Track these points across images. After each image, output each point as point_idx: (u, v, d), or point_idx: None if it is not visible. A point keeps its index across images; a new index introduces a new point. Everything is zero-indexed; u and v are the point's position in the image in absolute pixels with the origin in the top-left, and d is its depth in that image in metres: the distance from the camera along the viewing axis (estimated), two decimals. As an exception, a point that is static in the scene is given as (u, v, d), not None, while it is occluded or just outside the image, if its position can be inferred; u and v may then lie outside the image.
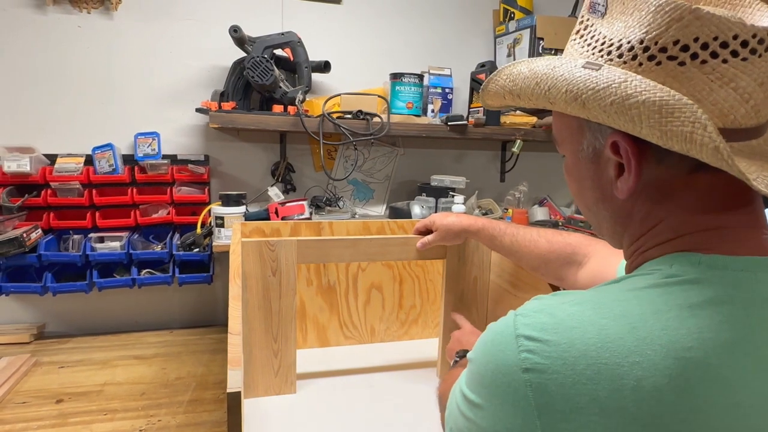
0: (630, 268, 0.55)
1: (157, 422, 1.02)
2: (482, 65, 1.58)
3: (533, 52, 1.57)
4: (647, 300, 0.44)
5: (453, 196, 1.55)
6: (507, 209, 1.65)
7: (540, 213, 1.71)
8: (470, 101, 1.63)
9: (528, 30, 1.58)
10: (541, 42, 1.57)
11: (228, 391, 0.69)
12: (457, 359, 0.89)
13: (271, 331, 1.07)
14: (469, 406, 0.50)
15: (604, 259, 0.86)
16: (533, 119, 1.61)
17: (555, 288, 0.99)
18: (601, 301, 0.46)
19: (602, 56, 0.48)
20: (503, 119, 1.58)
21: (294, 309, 1.08)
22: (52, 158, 1.40)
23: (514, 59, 1.65)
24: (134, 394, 1.13)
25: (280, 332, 1.08)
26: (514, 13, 1.68)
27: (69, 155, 1.41)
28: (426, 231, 1.13)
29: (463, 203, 1.54)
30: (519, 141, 1.56)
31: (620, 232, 0.54)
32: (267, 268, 1.05)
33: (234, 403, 0.69)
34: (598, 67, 0.45)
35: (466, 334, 1.01)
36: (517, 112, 1.64)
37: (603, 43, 0.48)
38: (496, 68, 1.62)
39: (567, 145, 0.55)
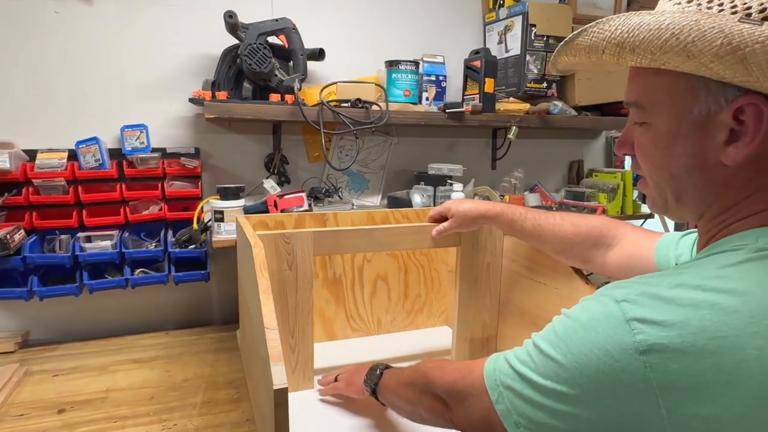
0: (706, 242, 0.55)
1: (173, 426, 0.97)
2: (476, 52, 1.58)
3: (526, 39, 1.58)
4: (748, 274, 0.45)
5: (451, 184, 1.55)
6: (503, 196, 1.66)
7: (532, 199, 1.73)
8: (464, 89, 1.63)
9: (520, 17, 1.59)
10: (533, 28, 1.58)
11: (275, 387, 0.66)
12: (377, 379, 0.86)
13: (288, 327, 1.04)
14: (558, 398, 0.49)
15: (634, 241, 0.88)
16: (526, 106, 1.62)
17: (577, 271, 0.99)
18: (700, 281, 0.46)
19: (740, 14, 0.46)
20: (498, 106, 1.59)
21: (311, 303, 1.05)
22: (30, 154, 1.30)
23: (506, 47, 1.66)
24: (142, 398, 1.07)
25: (297, 327, 1.05)
26: (503, 0, 1.68)
27: (50, 150, 1.32)
28: (440, 219, 1.12)
29: (462, 191, 1.54)
30: (515, 128, 1.57)
31: (709, 201, 0.53)
32: (283, 261, 1.02)
33: (281, 399, 0.67)
34: (759, 23, 0.44)
35: (352, 370, 0.98)
36: (511, 99, 1.65)
37: (737, 4, 0.47)
38: (493, 56, 1.61)
39: (663, 109, 0.53)
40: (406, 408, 0.78)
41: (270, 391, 0.67)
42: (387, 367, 0.88)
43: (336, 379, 1.02)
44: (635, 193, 1.82)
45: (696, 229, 0.62)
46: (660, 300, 0.45)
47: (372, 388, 0.87)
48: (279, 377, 0.67)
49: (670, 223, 2.11)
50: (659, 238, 0.83)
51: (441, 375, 0.68)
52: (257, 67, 1.28)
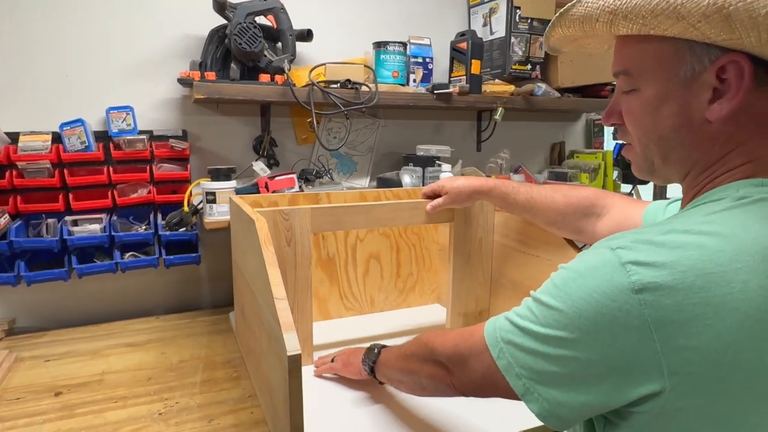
0: (692, 197, 0.58)
1: (176, 404, 0.97)
2: (462, 34, 1.60)
3: (511, 22, 1.61)
4: (731, 218, 0.49)
5: (439, 165, 1.57)
6: (489, 176, 1.69)
7: (517, 179, 1.76)
8: (450, 71, 1.64)
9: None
10: (518, 11, 1.60)
11: (288, 354, 0.67)
12: (375, 357, 0.88)
13: (288, 304, 1.04)
14: (557, 344, 0.52)
15: (624, 209, 0.91)
16: (511, 87, 1.65)
17: (570, 242, 1.03)
18: (688, 227, 0.50)
19: None
20: (484, 88, 1.61)
21: (309, 279, 1.06)
22: (13, 137, 1.27)
23: (491, 29, 1.68)
24: (140, 380, 1.06)
25: (296, 304, 1.06)
26: (487, -17, 1.70)
27: (33, 133, 1.28)
28: (434, 195, 1.14)
29: (451, 171, 1.56)
30: (500, 109, 1.60)
31: (695, 158, 0.57)
32: (282, 238, 1.02)
33: (295, 366, 0.68)
34: None
35: (348, 352, 1.00)
36: (496, 81, 1.67)
37: None
38: (479, 37, 1.63)
39: (651, 74, 0.56)
40: (406, 379, 0.79)
41: (283, 359, 0.68)
42: (384, 346, 0.90)
43: (332, 361, 1.03)
44: (615, 173, 1.87)
45: (680, 198, 0.66)
46: (652, 244, 0.49)
47: (370, 366, 0.89)
48: (292, 344, 0.68)
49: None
50: (647, 206, 0.87)
51: (442, 341, 0.70)
52: (247, 46, 1.27)
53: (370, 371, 0.89)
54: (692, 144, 0.56)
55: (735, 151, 0.55)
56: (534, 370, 0.54)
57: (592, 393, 0.51)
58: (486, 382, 0.60)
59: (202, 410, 0.95)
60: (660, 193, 1.97)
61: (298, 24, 1.47)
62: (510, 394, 0.56)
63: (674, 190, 1.68)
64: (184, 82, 1.30)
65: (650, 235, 0.50)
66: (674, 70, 0.55)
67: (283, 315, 0.72)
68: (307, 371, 1.07)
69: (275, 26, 1.40)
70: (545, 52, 1.69)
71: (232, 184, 1.32)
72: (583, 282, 0.51)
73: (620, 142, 1.95)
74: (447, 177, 1.15)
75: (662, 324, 0.46)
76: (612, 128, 1.95)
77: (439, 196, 1.13)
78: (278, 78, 1.35)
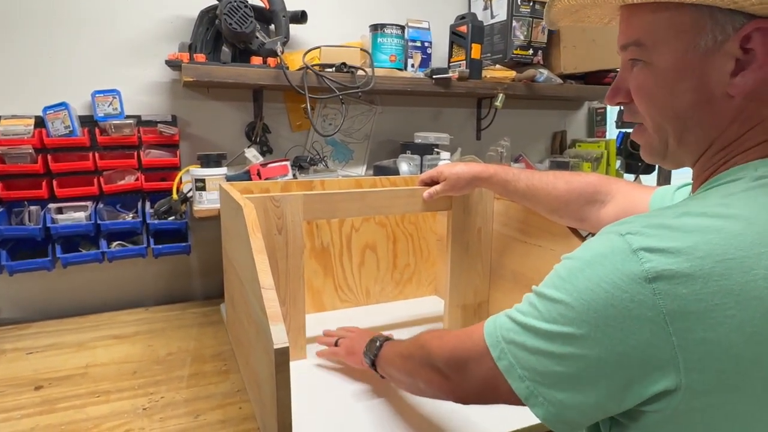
0: (705, 178, 0.54)
1: (160, 399, 0.93)
2: (462, 17, 1.55)
3: (512, 5, 1.55)
4: (751, 200, 0.45)
5: (438, 152, 1.53)
6: (489, 165, 1.65)
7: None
8: (450, 55, 1.59)
9: (506, -19, 1.56)
10: (520, -7, 1.55)
11: (275, 346, 0.63)
12: (376, 351, 0.84)
13: (279, 294, 0.99)
14: (564, 341, 0.47)
15: (629, 195, 0.87)
16: (512, 73, 1.60)
17: (573, 231, 0.98)
18: (705, 209, 0.46)
19: None
20: (484, 73, 1.56)
21: (302, 269, 1.02)
22: (-7, 121, 1.22)
23: (492, 13, 1.63)
24: (125, 373, 1.02)
25: (288, 294, 1.02)
26: (488, -35, 1.64)
27: (14, 117, 1.23)
28: (431, 182, 1.10)
29: (450, 160, 1.51)
30: (501, 95, 1.55)
31: (713, 137, 0.52)
32: (272, 225, 0.98)
33: (282, 359, 0.63)
34: None
35: (354, 338, 0.96)
36: (497, 66, 1.62)
37: None
38: (479, 20, 1.58)
39: (666, 45, 0.52)
40: (405, 380, 0.75)
41: (270, 352, 0.64)
42: (387, 339, 0.86)
43: (336, 344, 0.99)
44: (618, 162, 1.83)
45: (690, 182, 0.61)
46: (666, 229, 0.45)
47: (371, 360, 0.85)
48: (279, 336, 0.63)
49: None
50: (654, 191, 0.82)
51: (439, 345, 0.65)
52: (238, 26, 1.22)
53: (371, 364, 0.85)
54: (710, 121, 0.52)
55: (755, 128, 0.50)
56: (538, 371, 0.49)
57: (603, 394, 0.47)
58: (487, 388, 0.55)
59: (189, 405, 0.91)
60: (664, 183, 1.92)
61: (293, 5, 1.42)
62: (513, 398, 0.52)
63: (678, 178, 1.64)
64: (172, 64, 1.25)
65: (663, 218, 0.46)
66: (693, 41, 0.50)
67: (270, 305, 0.67)
68: (301, 365, 1.03)
69: (268, 7, 1.35)
70: (547, 37, 1.64)
71: (223, 170, 1.27)
72: (591, 271, 0.46)
73: (624, 130, 1.92)
74: (446, 164, 1.10)
75: (678, 315, 0.42)
76: (617, 110, 1.89)
77: (437, 182, 1.08)
78: (271, 61, 1.30)
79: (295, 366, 1.02)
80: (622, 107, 0.62)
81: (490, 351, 0.54)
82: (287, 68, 1.29)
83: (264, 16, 1.36)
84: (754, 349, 0.42)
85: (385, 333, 0.90)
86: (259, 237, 0.77)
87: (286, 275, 1.01)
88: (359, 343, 0.90)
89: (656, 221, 0.46)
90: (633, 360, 0.44)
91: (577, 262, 0.49)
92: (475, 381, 0.57)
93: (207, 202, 1.25)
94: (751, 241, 0.42)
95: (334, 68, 1.37)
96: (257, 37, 1.30)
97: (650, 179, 1.91)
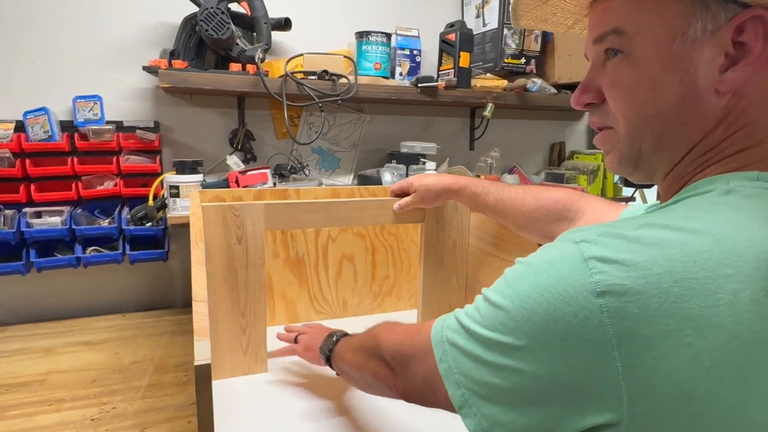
0: (675, 190, 0.49)
1: (112, 410, 0.91)
2: (451, 25, 1.52)
3: (504, 13, 1.52)
4: (719, 215, 0.40)
5: (424, 162, 1.49)
6: (479, 176, 1.60)
7: (510, 180, 1.67)
8: (439, 64, 1.56)
9: (498, -11, 1.52)
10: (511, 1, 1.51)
11: (196, 363, 0.60)
12: (332, 346, 0.80)
13: (239, 306, 0.98)
14: (501, 352, 0.42)
15: (598, 212, 0.82)
16: (504, 82, 1.56)
17: (542, 246, 0.94)
18: (670, 221, 0.40)
19: None
20: (474, 82, 1.52)
21: (263, 280, 0.99)
22: (-26, 125, 1.23)
23: (484, 21, 1.59)
24: (83, 381, 1.01)
25: (248, 306, 0.99)
26: (482, -28, 1.61)
27: (-5, 121, 1.25)
28: (402, 193, 1.06)
29: (435, 170, 1.48)
30: (490, 104, 1.51)
31: (696, 139, 0.47)
32: (231, 235, 0.95)
33: (203, 376, 0.61)
34: None
35: (313, 334, 0.92)
36: (488, 75, 1.58)
37: None
38: (468, 28, 1.55)
39: (651, 33, 0.47)
40: (354, 374, 0.71)
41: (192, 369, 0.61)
42: (345, 334, 0.82)
43: (296, 340, 0.96)
44: (616, 176, 1.76)
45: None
46: (623, 239, 0.39)
47: (326, 355, 0.81)
48: (201, 352, 0.61)
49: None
50: (626, 209, 0.77)
51: (389, 336, 0.62)
52: (214, 33, 1.21)
53: (327, 360, 0.81)
54: (695, 121, 0.46)
55: (738, 133, 0.46)
56: (474, 380, 0.45)
57: (536, 416, 0.41)
58: (427, 389, 0.52)
59: (138, 417, 0.89)
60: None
61: (278, 12, 1.41)
62: (448, 405, 0.48)
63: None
64: (150, 70, 1.25)
65: (622, 228, 0.41)
66: (680, 29, 0.45)
67: (198, 319, 0.65)
68: (261, 379, 1.00)
69: (249, 14, 1.34)
70: (541, 46, 1.60)
71: (198, 177, 1.26)
72: (536, 278, 0.41)
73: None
74: (417, 174, 1.06)
75: (626, 338, 0.37)
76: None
77: (408, 194, 1.05)
78: (250, 68, 1.29)
79: (252, 380, 0.99)
80: (589, 112, 0.56)
81: (434, 351, 0.50)
82: (266, 75, 1.28)
83: (246, 23, 1.35)
84: (711, 386, 0.36)
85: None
86: (200, 248, 0.75)
87: (246, 286, 0.98)
88: (317, 339, 0.86)
89: (614, 230, 0.41)
90: (572, 383, 0.39)
91: (525, 267, 0.44)
92: (416, 379, 0.54)
93: (181, 209, 1.24)
94: (717, 260, 0.37)
95: (316, 76, 1.35)
96: (237, 44, 1.29)
97: (651, 193, 1.84)
